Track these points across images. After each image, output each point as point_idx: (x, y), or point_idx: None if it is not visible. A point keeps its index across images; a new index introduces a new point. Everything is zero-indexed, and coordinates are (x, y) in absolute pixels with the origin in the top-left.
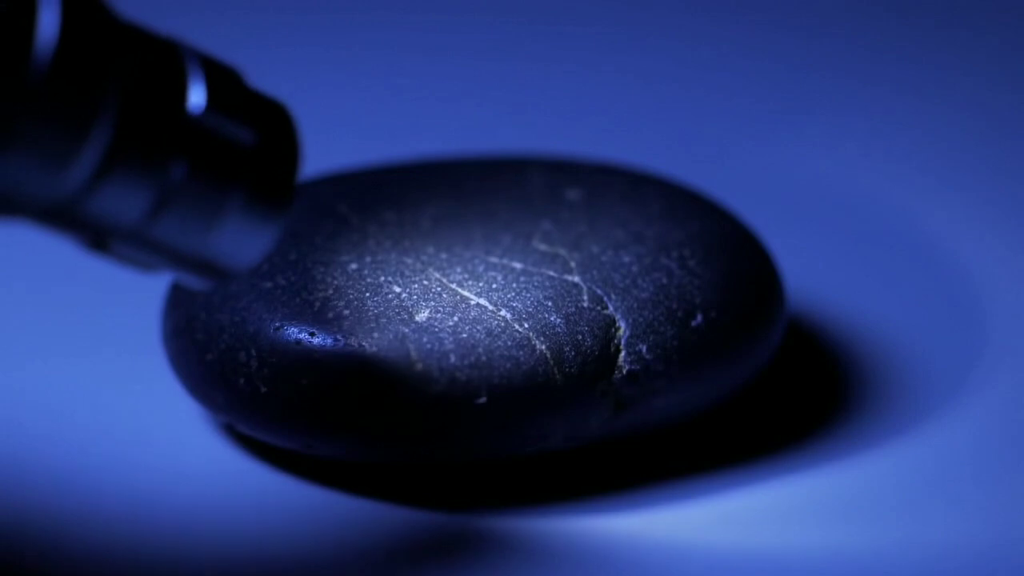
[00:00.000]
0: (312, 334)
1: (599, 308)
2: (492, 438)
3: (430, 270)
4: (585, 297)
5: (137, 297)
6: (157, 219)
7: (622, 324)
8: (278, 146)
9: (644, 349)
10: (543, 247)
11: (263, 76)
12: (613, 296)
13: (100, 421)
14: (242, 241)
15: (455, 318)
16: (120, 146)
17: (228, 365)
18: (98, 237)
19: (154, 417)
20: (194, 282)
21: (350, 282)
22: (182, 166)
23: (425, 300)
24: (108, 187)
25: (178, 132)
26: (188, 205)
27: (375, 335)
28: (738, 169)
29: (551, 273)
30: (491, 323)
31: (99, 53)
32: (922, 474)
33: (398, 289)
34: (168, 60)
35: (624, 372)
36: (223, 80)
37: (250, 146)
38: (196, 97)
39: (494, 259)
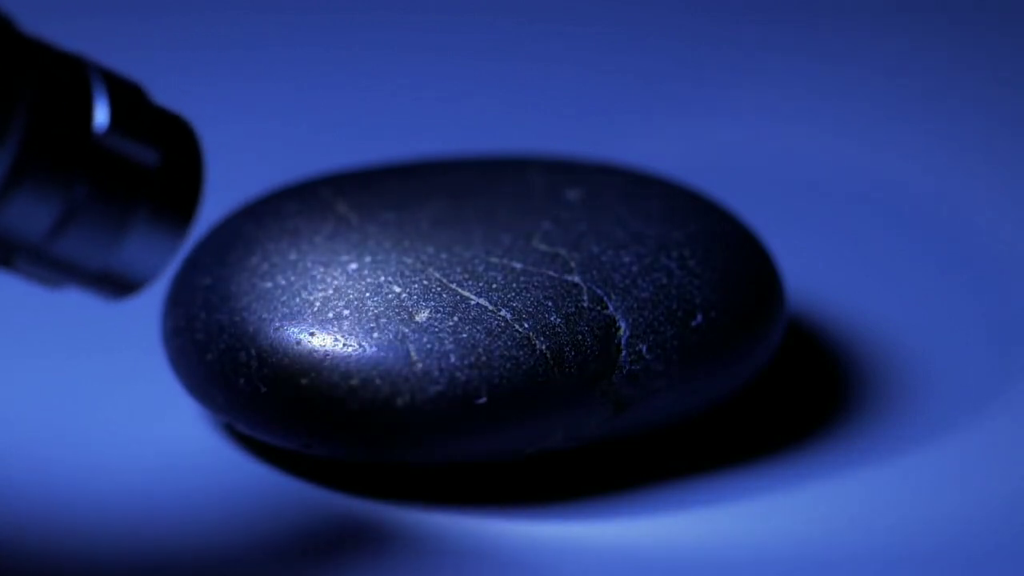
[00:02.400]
0: (312, 334)
1: (599, 308)
2: (492, 438)
3: (430, 270)
4: (585, 297)
5: (137, 297)
6: (60, 237)
7: (622, 324)
8: (181, 163)
9: (644, 349)
10: (543, 247)
11: (263, 76)
12: (613, 296)
13: (100, 421)
14: (145, 257)
15: (455, 318)
16: (24, 164)
17: (228, 365)
18: (2, 252)
19: (154, 417)
20: (100, 297)
21: (350, 282)
22: (85, 185)
23: (425, 300)
24: (11, 205)
25: (82, 151)
26: (91, 224)
27: (375, 335)
28: (738, 169)
29: (551, 273)
30: (491, 323)
31: (4, 68)
32: (922, 474)
33: (398, 289)
34: (73, 77)
35: (624, 372)
36: (127, 97)
37: (153, 165)
38: (100, 116)
39: (494, 259)
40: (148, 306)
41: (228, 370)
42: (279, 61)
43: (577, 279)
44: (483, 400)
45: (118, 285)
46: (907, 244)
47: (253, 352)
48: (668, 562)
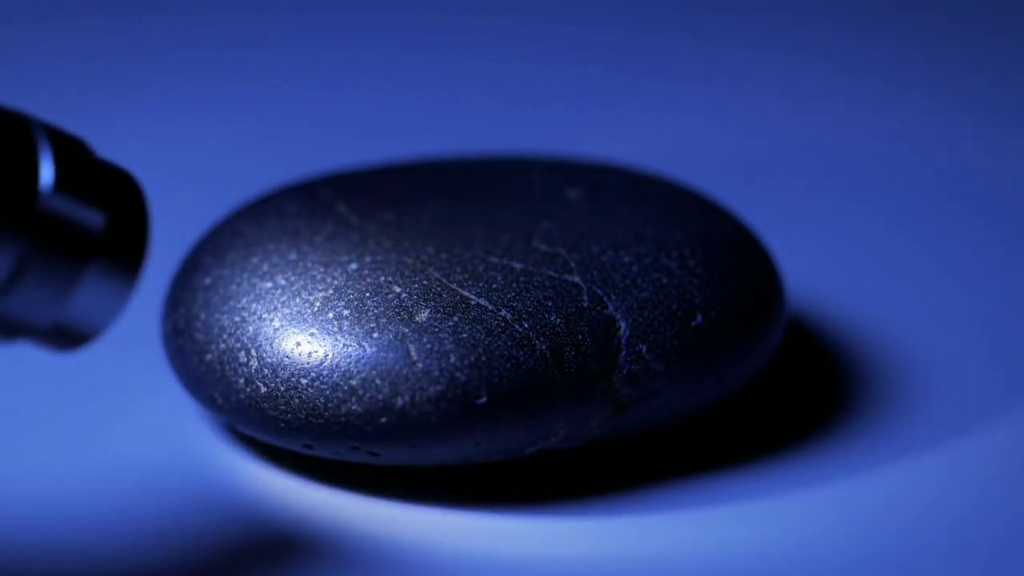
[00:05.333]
0: (312, 334)
1: (599, 308)
2: (492, 438)
3: (430, 270)
4: (585, 297)
5: (137, 297)
6: (6, 296)
7: (622, 324)
8: (127, 218)
9: (644, 349)
10: (543, 247)
11: (263, 76)
12: (613, 296)
13: (100, 421)
14: (95, 311)
15: (455, 318)
16: None
17: (228, 365)
18: None
19: (154, 417)
20: (50, 350)
21: (350, 282)
22: (31, 247)
23: (425, 300)
24: None
25: (28, 213)
26: (38, 283)
27: (375, 335)
28: (738, 169)
29: (551, 273)
30: (491, 323)
31: None
32: (921, 474)
33: (398, 289)
34: (17, 136)
35: (624, 372)
36: (71, 155)
37: (99, 223)
38: (45, 178)
39: (494, 259)
40: (148, 306)
41: (228, 370)
42: (279, 61)
43: (577, 279)
44: (483, 400)
45: (68, 338)
46: (907, 244)
47: (253, 352)
48: (668, 562)
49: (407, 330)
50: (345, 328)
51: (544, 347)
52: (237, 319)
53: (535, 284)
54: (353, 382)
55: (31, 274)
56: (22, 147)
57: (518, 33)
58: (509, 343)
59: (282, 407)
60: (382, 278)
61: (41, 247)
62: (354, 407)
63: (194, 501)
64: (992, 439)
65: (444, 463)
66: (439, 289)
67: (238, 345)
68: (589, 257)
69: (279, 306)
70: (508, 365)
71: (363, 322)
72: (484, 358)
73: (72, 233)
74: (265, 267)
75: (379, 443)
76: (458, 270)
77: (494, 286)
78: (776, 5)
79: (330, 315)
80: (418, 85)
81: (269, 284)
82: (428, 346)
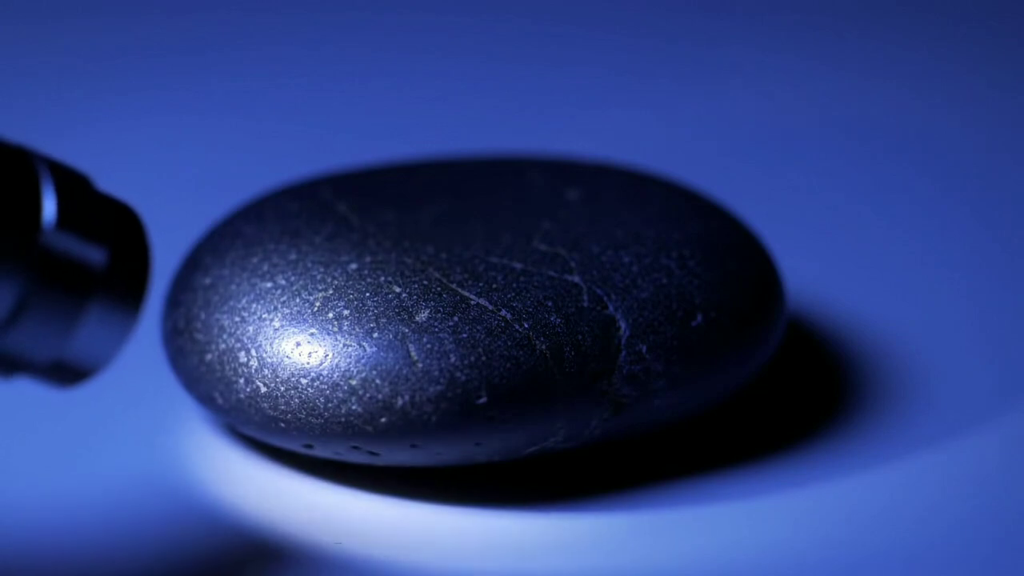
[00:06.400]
0: (312, 334)
1: (599, 308)
2: (492, 438)
3: (430, 270)
4: (585, 297)
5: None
6: (5, 334)
7: (622, 324)
8: (128, 254)
9: (644, 349)
10: (543, 247)
11: (263, 76)
12: (613, 296)
13: (100, 421)
14: (96, 347)
15: (455, 318)
16: None
17: (228, 365)
18: None
19: (154, 417)
20: (51, 386)
21: (350, 282)
22: (33, 285)
23: (425, 300)
24: None
25: (30, 250)
26: (37, 322)
27: (375, 335)
28: (738, 169)
29: (551, 273)
30: (491, 323)
31: None
32: (922, 474)
33: (398, 289)
34: (19, 171)
35: (624, 372)
36: (72, 191)
37: (101, 260)
38: (48, 214)
39: (494, 259)
40: (148, 306)
41: (228, 370)
42: (279, 61)
43: (577, 279)
44: (483, 400)
45: (68, 375)
46: (907, 244)
47: (253, 352)
48: (668, 562)
49: (407, 330)
50: (345, 328)
51: (544, 347)
52: (237, 319)
53: (535, 284)
54: (353, 382)
55: (32, 311)
56: (24, 183)
57: (518, 33)
58: (509, 343)
59: (282, 407)
60: (382, 278)
61: (43, 284)
62: (354, 407)
63: (193, 501)
64: (992, 439)
65: (444, 463)
66: (439, 289)
67: (238, 345)
68: (589, 257)
69: (279, 306)
70: (508, 365)
71: (363, 322)
72: (484, 358)
73: (74, 270)
74: (265, 267)
75: (379, 443)
76: (458, 270)
77: (494, 286)
78: (776, 5)
79: (330, 315)
80: (418, 85)
81: (269, 284)
82: (428, 346)
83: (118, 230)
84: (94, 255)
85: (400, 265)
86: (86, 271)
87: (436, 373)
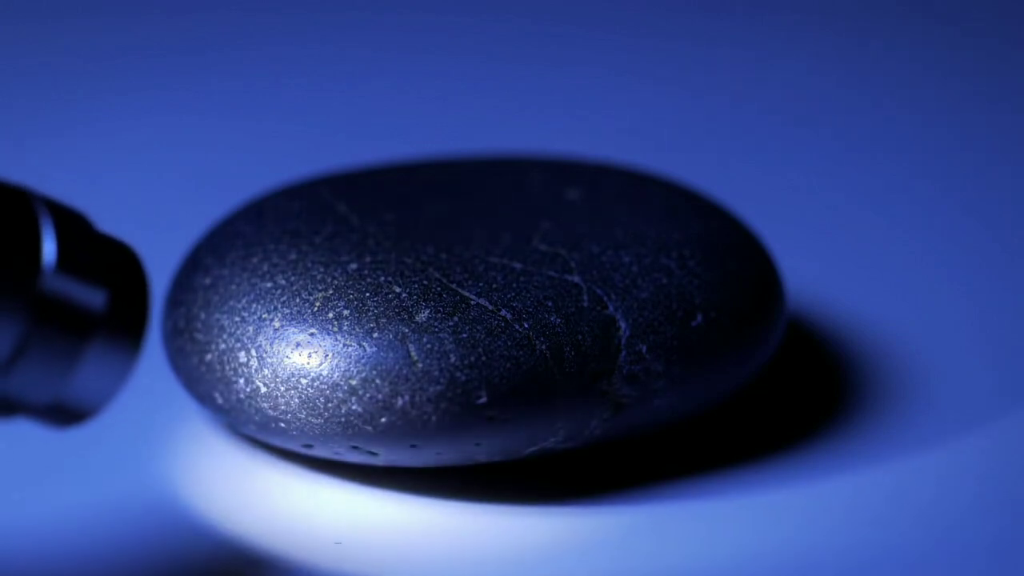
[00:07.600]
0: (312, 334)
1: (599, 308)
2: (492, 438)
3: (430, 270)
4: (585, 297)
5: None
6: (5, 376)
7: (622, 324)
8: (127, 294)
9: (644, 349)
10: (543, 247)
11: (263, 76)
12: (613, 296)
13: (100, 421)
14: (95, 388)
15: (455, 318)
16: None
17: (228, 365)
18: None
19: (154, 417)
20: (50, 427)
21: (350, 282)
22: (32, 327)
23: (425, 300)
24: None
25: (29, 294)
26: (36, 364)
27: (375, 335)
28: (738, 169)
29: (551, 273)
30: (491, 323)
31: None
32: (921, 474)
33: (398, 289)
34: (19, 213)
35: (624, 372)
36: (72, 232)
37: (101, 301)
38: (47, 257)
39: (494, 259)
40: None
41: (228, 370)
42: (279, 61)
43: (577, 279)
44: (483, 400)
45: (67, 416)
46: (907, 244)
47: (253, 352)
48: (668, 561)
49: (407, 330)
50: (345, 328)
51: (544, 347)
52: (237, 319)
53: (535, 284)
54: (353, 382)
55: (31, 354)
56: (24, 225)
57: (518, 33)
58: (509, 343)
59: (282, 407)
60: (382, 278)
61: (42, 327)
62: (354, 407)
63: (193, 501)
64: (992, 439)
65: (444, 463)
66: (439, 289)
67: (238, 345)
68: (589, 257)
69: (279, 306)
70: (508, 365)
71: (363, 322)
72: (484, 358)
73: (73, 312)
74: (265, 267)
75: (379, 443)
76: (458, 270)
77: (494, 286)
78: (776, 5)
79: (330, 315)
80: (418, 85)
81: (269, 284)
82: (428, 346)
83: (118, 271)
84: (93, 297)
85: (400, 265)
86: (85, 313)
87: (436, 373)
